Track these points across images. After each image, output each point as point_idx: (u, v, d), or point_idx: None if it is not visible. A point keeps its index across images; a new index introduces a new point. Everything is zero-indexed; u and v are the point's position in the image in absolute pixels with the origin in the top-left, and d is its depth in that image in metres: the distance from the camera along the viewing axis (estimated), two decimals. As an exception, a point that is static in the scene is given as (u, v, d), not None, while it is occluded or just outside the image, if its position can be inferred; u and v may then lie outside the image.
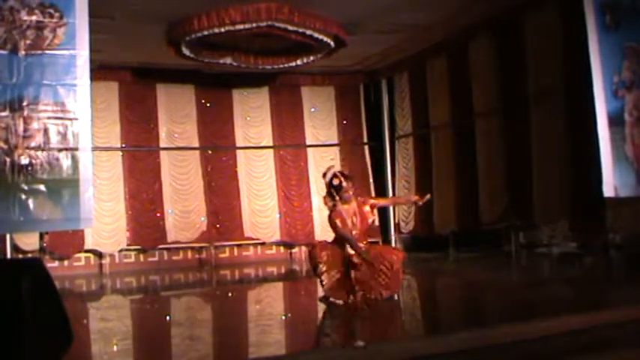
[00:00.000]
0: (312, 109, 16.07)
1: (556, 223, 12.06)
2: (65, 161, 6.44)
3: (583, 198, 10.60)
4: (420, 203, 8.14)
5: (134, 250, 14.72)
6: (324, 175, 7.94)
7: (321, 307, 8.62)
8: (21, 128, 6.31)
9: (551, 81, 11.46)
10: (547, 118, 11.60)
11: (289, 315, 7.98)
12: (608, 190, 8.76)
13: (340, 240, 7.66)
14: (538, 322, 5.88)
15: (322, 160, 15.82)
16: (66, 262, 14.06)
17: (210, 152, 15.36)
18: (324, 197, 7.92)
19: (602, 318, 6.02)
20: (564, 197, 11.24)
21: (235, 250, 15.55)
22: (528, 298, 7.70)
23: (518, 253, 12.79)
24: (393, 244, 15.55)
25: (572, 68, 10.70)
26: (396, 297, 7.79)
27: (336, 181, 7.74)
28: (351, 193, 7.74)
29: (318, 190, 15.69)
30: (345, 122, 16.03)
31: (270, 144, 15.83)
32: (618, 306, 6.55)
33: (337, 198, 7.70)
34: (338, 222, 7.63)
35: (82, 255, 14.29)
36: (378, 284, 7.52)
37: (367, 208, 7.81)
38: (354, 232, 7.60)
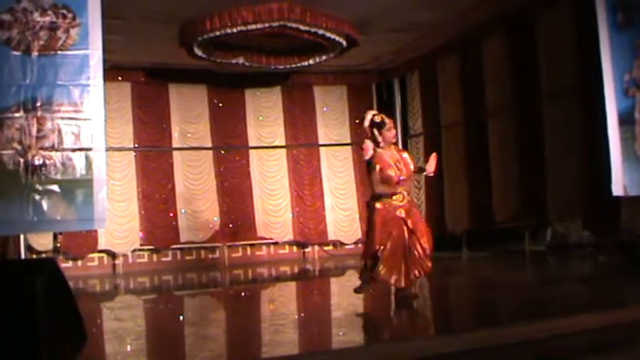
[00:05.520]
0: (324, 109, 16.07)
1: (570, 222, 12.00)
2: (79, 161, 6.46)
3: (597, 196, 10.53)
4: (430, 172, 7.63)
5: (147, 250, 14.77)
6: (363, 119, 7.52)
7: (335, 307, 8.64)
8: (34, 129, 6.33)
9: (565, 79, 11.41)
10: (560, 116, 11.55)
11: (302, 314, 7.98)
12: (617, 190, 8.70)
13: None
14: (551, 322, 5.86)
15: (335, 160, 15.84)
16: (79, 263, 14.13)
17: (222, 152, 15.38)
18: (365, 143, 7.37)
19: (616, 317, 6.00)
20: (578, 196, 11.20)
21: (248, 249, 15.57)
22: (541, 297, 7.67)
23: (531, 252, 12.74)
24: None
25: (585, 66, 10.65)
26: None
27: (378, 119, 7.38)
28: (394, 132, 7.44)
29: (330, 189, 15.73)
30: (357, 121, 15.94)
31: (283, 143, 15.84)
32: (632, 305, 6.52)
33: (380, 139, 7.31)
34: (378, 166, 7.26)
35: (96, 255, 14.35)
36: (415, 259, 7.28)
37: (405, 155, 7.51)
38: (401, 177, 7.29)
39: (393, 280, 7.24)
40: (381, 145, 7.36)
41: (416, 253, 7.26)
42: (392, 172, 7.28)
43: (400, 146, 15.68)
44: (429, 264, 7.38)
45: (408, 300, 7.40)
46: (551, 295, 7.75)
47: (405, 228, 7.27)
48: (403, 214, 7.27)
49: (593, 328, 5.73)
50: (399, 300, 7.43)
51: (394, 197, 7.30)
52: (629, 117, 8.63)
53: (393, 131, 7.47)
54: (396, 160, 7.35)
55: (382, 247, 7.19)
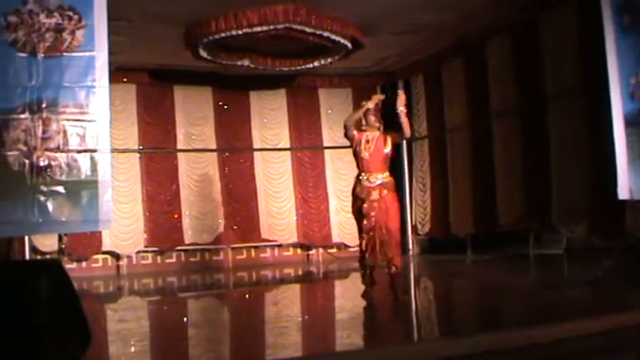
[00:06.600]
0: (329, 111, 16.06)
1: (575, 225, 11.98)
2: (84, 163, 6.47)
3: (602, 200, 10.51)
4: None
5: (151, 251, 14.76)
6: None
7: (339, 309, 8.63)
8: (40, 130, 6.34)
9: (570, 82, 11.38)
10: (565, 119, 11.53)
11: (306, 317, 7.98)
12: (623, 193, 8.67)
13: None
14: (556, 325, 5.85)
15: (340, 162, 15.79)
16: (84, 264, 14.13)
17: (227, 154, 15.39)
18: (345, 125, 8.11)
19: (621, 321, 5.98)
20: (583, 199, 11.17)
21: (252, 251, 15.56)
22: (546, 300, 7.66)
23: (536, 255, 12.71)
24: (410, 247, 15.53)
25: (590, 69, 10.62)
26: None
27: (369, 104, 7.95)
28: (372, 119, 7.94)
29: (335, 191, 15.71)
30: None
31: (288, 146, 15.83)
32: (638, 309, 6.50)
33: (363, 122, 7.95)
34: (354, 147, 7.94)
35: (100, 256, 14.34)
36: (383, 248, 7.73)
37: (389, 141, 7.91)
38: (366, 154, 7.79)
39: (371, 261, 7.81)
40: (363, 127, 7.96)
41: (381, 236, 7.69)
42: (361, 151, 7.86)
43: (405, 149, 15.80)
44: (397, 257, 7.77)
45: (395, 295, 7.78)
46: (556, 299, 7.74)
47: (375, 211, 7.69)
48: (376, 197, 7.72)
49: (598, 332, 5.72)
50: (398, 302, 7.63)
51: (368, 178, 7.78)
52: (635, 120, 8.60)
53: (373, 118, 7.97)
54: (371, 141, 7.85)
55: (366, 239, 7.74)
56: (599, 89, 9.36)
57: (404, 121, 7.95)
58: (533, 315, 6.80)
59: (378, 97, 8.06)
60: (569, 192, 11.38)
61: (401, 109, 7.92)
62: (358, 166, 7.95)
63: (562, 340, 5.51)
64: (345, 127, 7.99)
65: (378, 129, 7.99)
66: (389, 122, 8.25)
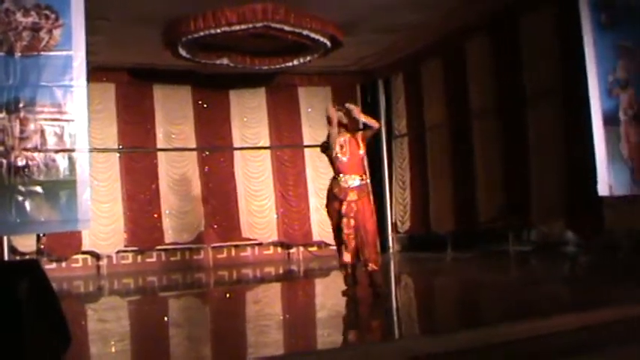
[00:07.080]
0: (308, 110, 16.04)
1: (553, 222, 12.06)
2: (62, 162, 6.43)
3: (581, 196, 10.60)
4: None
5: (132, 251, 14.70)
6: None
7: (320, 307, 8.65)
8: (17, 130, 6.29)
9: (548, 80, 11.45)
10: (544, 117, 11.60)
11: (287, 315, 7.99)
12: (602, 189, 8.78)
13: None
14: (535, 322, 5.89)
15: (319, 160, 15.76)
16: (64, 264, 14.04)
17: (207, 153, 15.34)
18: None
19: (600, 317, 6.03)
20: (562, 196, 11.24)
21: (233, 250, 15.52)
22: (525, 297, 7.70)
23: (515, 252, 12.79)
24: (390, 244, 15.60)
25: (569, 67, 10.70)
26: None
27: (331, 115, 8.06)
28: (338, 127, 8.04)
29: (315, 190, 15.69)
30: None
31: (268, 144, 15.80)
32: (616, 304, 6.56)
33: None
34: (330, 149, 8.05)
35: (80, 256, 14.26)
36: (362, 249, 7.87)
37: (361, 142, 8.01)
38: (343, 159, 7.92)
39: (347, 259, 7.88)
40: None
41: (359, 236, 7.83)
42: (337, 157, 7.97)
43: (384, 147, 15.86)
44: (375, 256, 7.88)
45: (376, 293, 7.87)
46: (534, 296, 7.78)
47: (354, 212, 7.82)
48: (354, 198, 7.83)
49: (576, 328, 5.76)
50: (379, 299, 7.76)
51: (346, 179, 7.89)
52: (613, 117, 8.72)
53: (336, 122, 8.07)
54: (344, 145, 7.98)
55: (345, 239, 7.82)
56: (578, 89, 9.44)
57: (367, 121, 8.14)
58: (513, 311, 6.85)
59: (331, 108, 8.20)
60: (548, 190, 11.45)
61: (358, 117, 8.11)
62: (334, 169, 8.04)
63: (541, 336, 5.55)
64: (328, 147, 8.10)
65: (346, 131, 8.08)
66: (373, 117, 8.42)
